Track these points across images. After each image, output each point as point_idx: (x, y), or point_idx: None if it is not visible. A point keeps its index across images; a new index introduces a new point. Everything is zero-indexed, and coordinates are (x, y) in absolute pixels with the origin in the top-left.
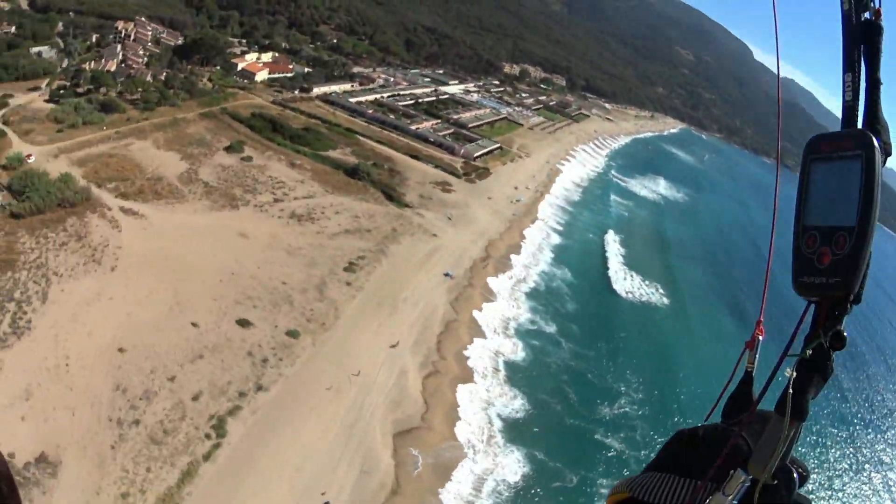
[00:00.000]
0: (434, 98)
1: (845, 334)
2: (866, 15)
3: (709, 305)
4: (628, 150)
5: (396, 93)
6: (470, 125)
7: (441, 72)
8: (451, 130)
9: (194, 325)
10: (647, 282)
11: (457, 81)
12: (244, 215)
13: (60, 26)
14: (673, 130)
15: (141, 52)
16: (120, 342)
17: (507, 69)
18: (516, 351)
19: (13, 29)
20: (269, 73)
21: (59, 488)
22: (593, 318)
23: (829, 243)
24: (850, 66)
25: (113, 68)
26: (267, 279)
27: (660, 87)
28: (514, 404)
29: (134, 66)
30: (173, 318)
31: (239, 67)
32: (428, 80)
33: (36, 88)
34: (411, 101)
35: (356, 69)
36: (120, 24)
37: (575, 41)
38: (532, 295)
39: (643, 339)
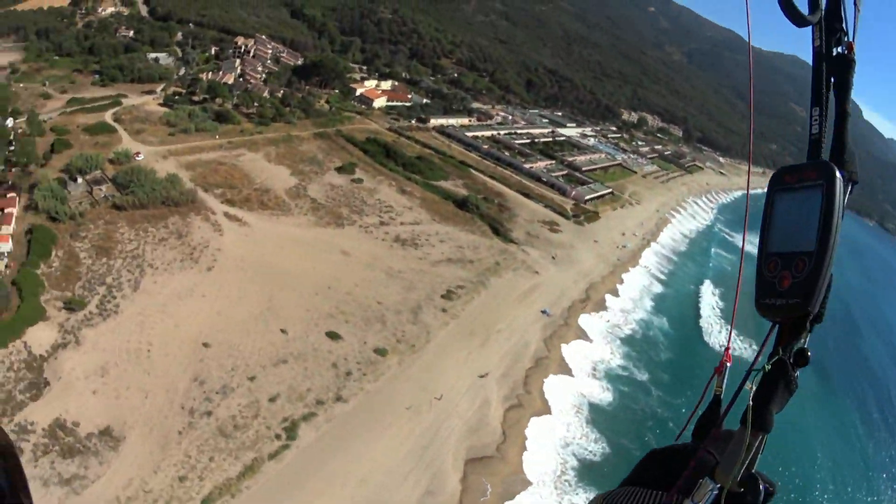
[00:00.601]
0: (550, 139)
1: (808, 352)
2: (839, 49)
3: None
4: (738, 204)
5: (513, 131)
6: (584, 168)
7: (559, 114)
8: (565, 172)
9: (283, 331)
10: (741, 336)
11: (574, 124)
12: (348, 234)
13: (180, 35)
14: None
15: (260, 69)
16: (206, 337)
17: (625, 116)
18: (603, 393)
19: (131, 33)
20: (388, 101)
21: (117, 461)
22: (685, 369)
23: (790, 267)
24: (818, 101)
25: (230, 81)
26: (363, 297)
27: (773, 144)
28: (593, 446)
29: (252, 81)
30: (263, 323)
31: (357, 93)
32: (546, 120)
33: (150, 92)
34: (527, 140)
35: (475, 104)
36: (240, 40)
37: (693, 92)
38: (627, 340)
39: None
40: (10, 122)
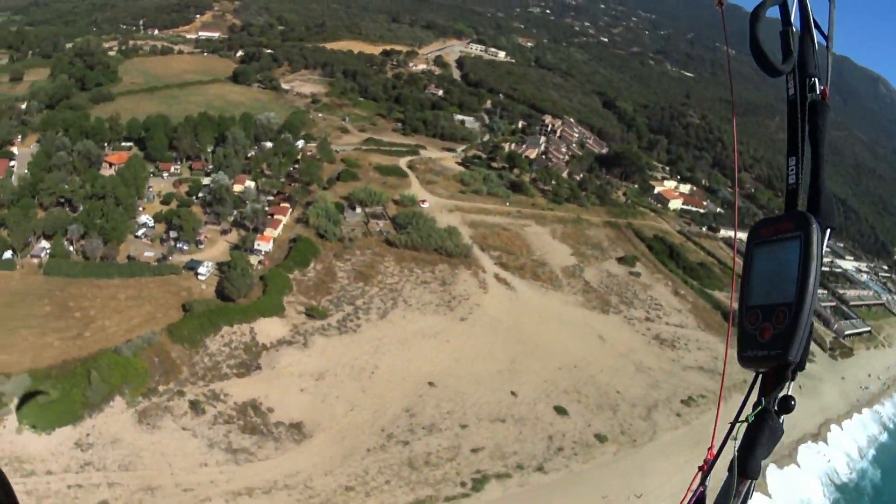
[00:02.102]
0: (828, 269)
1: (793, 402)
2: (812, 95)
3: None
4: None
5: None
6: (851, 303)
7: (841, 245)
8: (833, 304)
9: (513, 393)
10: None
11: (852, 258)
12: (611, 322)
13: (489, 104)
14: None
15: (563, 150)
16: (434, 378)
17: None
18: None
19: (440, 92)
20: (683, 204)
21: (294, 452)
22: None
23: (770, 319)
24: (794, 150)
25: (532, 156)
26: (604, 383)
27: None
28: None
29: (553, 159)
30: (496, 380)
31: (655, 190)
32: (826, 249)
33: (450, 150)
34: None
35: None
36: (548, 119)
37: None
38: (841, 487)
39: None
40: (300, 143)
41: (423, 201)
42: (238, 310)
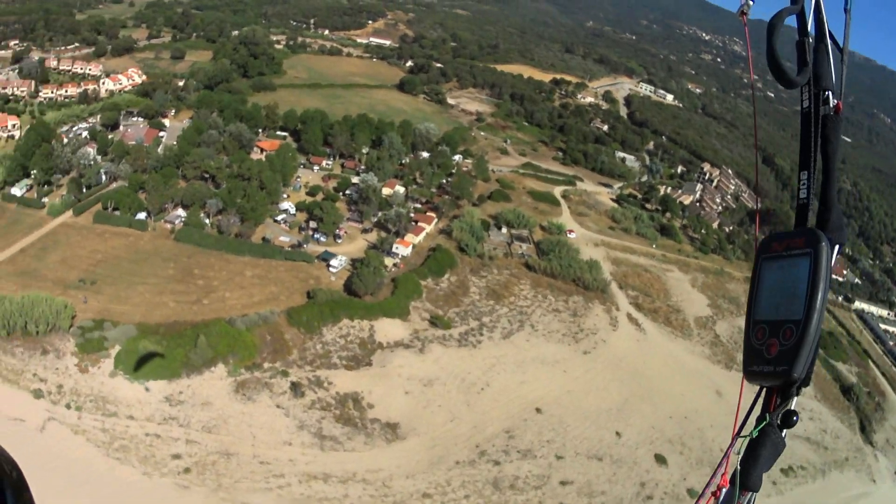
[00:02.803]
0: None
1: (794, 418)
2: (826, 109)
3: None
4: None
5: None
6: None
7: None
8: None
9: (618, 434)
10: None
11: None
12: (731, 378)
13: (651, 145)
14: None
15: (718, 200)
16: (542, 404)
17: None
18: None
19: (605, 127)
20: None
21: (382, 450)
22: None
23: (777, 335)
24: (806, 164)
25: (686, 202)
26: (710, 439)
27: None
28: None
29: (706, 208)
30: (604, 418)
31: None
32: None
33: (607, 185)
34: None
35: None
36: (706, 167)
37: None
38: None
39: None
40: (458, 157)
41: (571, 231)
42: (362, 306)
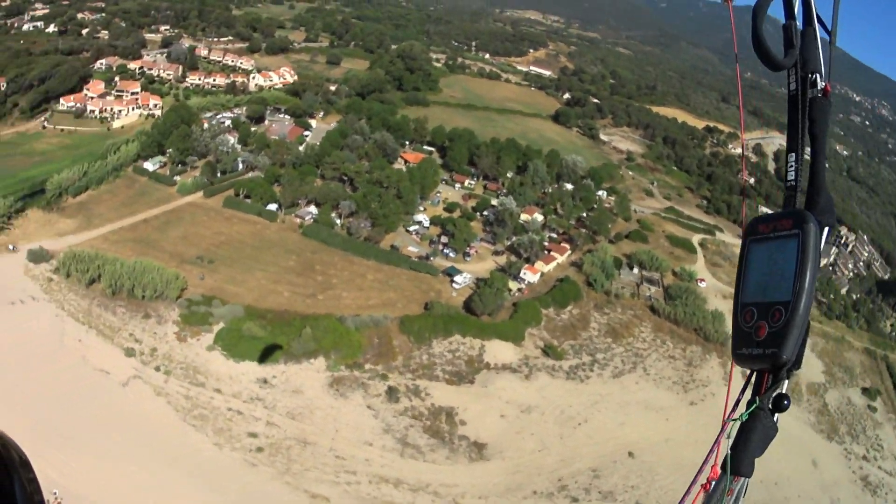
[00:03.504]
0: None
1: (786, 402)
2: (814, 91)
3: None
4: None
5: None
6: None
7: None
8: None
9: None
10: None
11: None
12: (829, 450)
13: None
14: None
15: (850, 266)
16: (636, 449)
17: None
18: None
19: (751, 180)
20: None
21: (462, 467)
22: None
23: (766, 317)
24: (794, 147)
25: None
26: None
27: None
28: None
29: (838, 272)
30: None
31: None
32: None
33: None
34: None
35: None
36: (844, 230)
37: None
38: None
39: None
40: (602, 193)
41: (702, 280)
42: (477, 324)
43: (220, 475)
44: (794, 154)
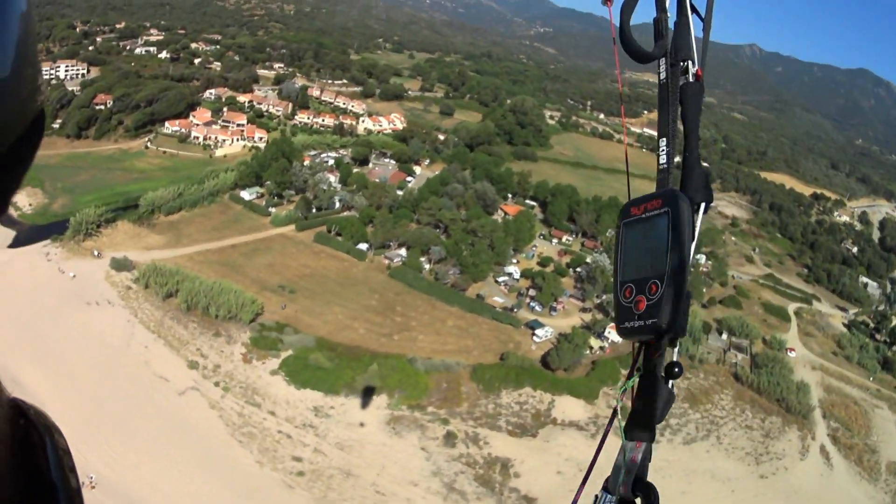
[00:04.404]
0: None
1: (677, 369)
2: (686, 77)
3: None
4: None
5: None
6: None
7: None
8: None
9: None
10: None
11: None
12: None
13: None
14: None
15: None
16: None
17: None
18: None
19: (854, 249)
20: None
21: None
22: None
23: (644, 291)
24: (665, 132)
25: None
26: None
27: None
28: None
29: None
30: None
31: None
32: None
33: (843, 308)
34: None
35: None
36: None
37: None
38: None
39: None
40: (700, 258)
41: (791, 350)
42: (550, 379)
43: (255, 490)
44: (665, 139)
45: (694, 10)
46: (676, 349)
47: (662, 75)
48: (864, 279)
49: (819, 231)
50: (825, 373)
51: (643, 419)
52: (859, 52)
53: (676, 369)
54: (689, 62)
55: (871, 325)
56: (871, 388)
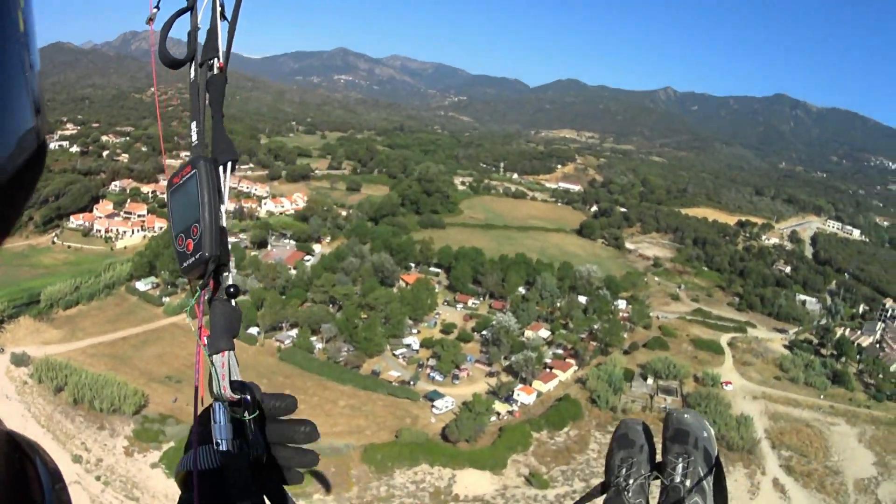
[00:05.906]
0: None
1: (232, 289)
2: (212, 71)
3: None
4: None
5: None
6: None
7: None
8: None
9: None
10: None
11: None
12: None
13: (833, 284)
14: None
15: None
16: None
17: None
18: None
19: (787, 269)
20: None
21: None
22: None
23: (189, 235)
24: (196, 117)
25: (864, 344)
26: None
27: None
28: None
29: (886, 349)
30: None
31: None
32: None
33: (782, 331)
34: None
35: None
36: (889, 302)
37: None
38: None
39: None
40: (620, 303)
41: (727, 383)
42: (448, 452)
43: None
44: (195, 122)
45: (223, 16)
46: (231, 274)
47: (192, 75)
48: (802, 297)
49: (747, 257)
50: (769, 400)
51: (218, 331)
52: (774, 79)
53: (232, 289)
54: (216, 59)
55: (815, 341)
56: (823, 406)
